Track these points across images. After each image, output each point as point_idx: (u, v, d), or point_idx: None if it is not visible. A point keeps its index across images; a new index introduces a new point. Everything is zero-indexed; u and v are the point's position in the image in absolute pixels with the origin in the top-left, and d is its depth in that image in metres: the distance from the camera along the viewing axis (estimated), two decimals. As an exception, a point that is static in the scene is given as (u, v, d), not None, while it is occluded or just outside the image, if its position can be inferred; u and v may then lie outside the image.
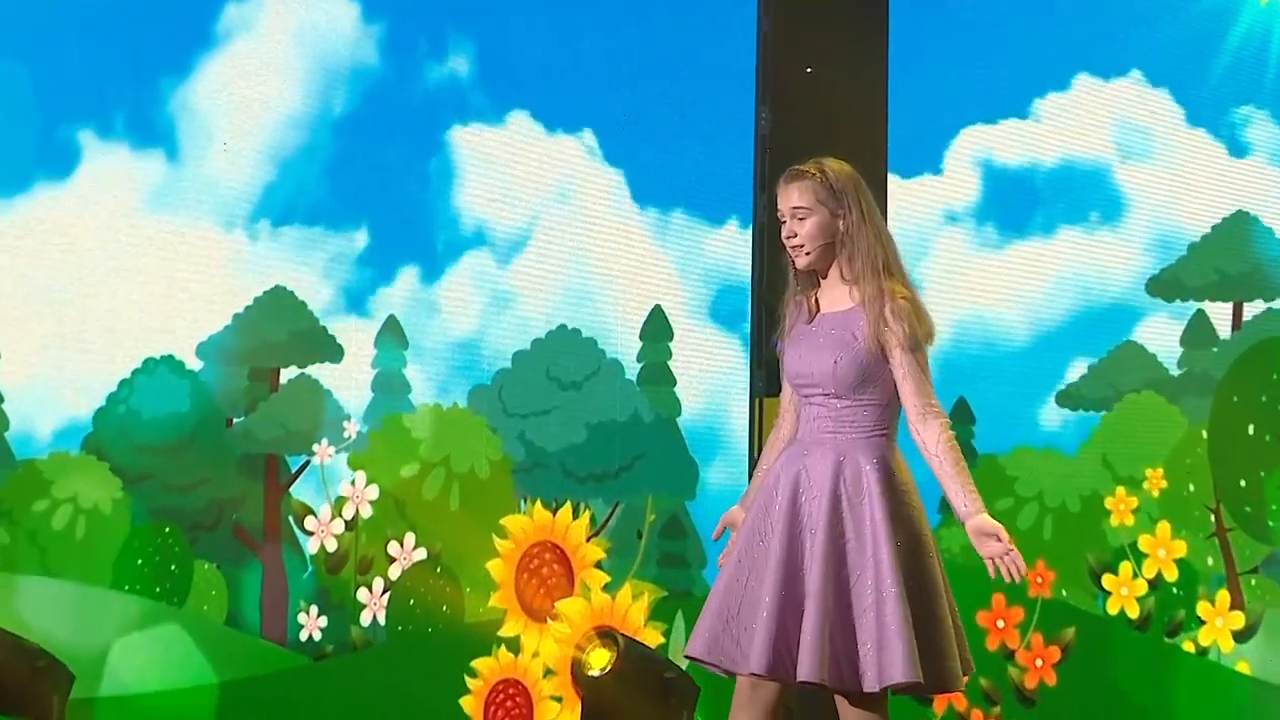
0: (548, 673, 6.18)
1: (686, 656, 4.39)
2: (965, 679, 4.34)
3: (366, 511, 5.97)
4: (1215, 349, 7.01)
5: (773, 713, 4.31)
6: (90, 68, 5.58)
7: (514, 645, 6.16)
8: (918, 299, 4.36)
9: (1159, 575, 6.90)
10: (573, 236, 6.35)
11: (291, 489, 5.89)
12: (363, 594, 5.97)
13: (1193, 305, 7.02)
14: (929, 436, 4.27)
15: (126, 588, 5.59)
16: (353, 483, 5.96)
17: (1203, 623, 6.90)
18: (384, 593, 5.99)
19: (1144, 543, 6.91)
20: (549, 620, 6.19)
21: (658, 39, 6.49)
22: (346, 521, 5.94)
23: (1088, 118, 7.02)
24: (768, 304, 5.92)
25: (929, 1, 6.81)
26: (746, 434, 6.52)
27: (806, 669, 4.14)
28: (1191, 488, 6.95)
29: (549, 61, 6.30)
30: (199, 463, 5.73)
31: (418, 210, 6.12)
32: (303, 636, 5.87)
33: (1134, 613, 6.87)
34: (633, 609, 6.30)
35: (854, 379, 4.30)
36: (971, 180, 6.90)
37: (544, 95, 6.29)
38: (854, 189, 4.38)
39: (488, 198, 6.21)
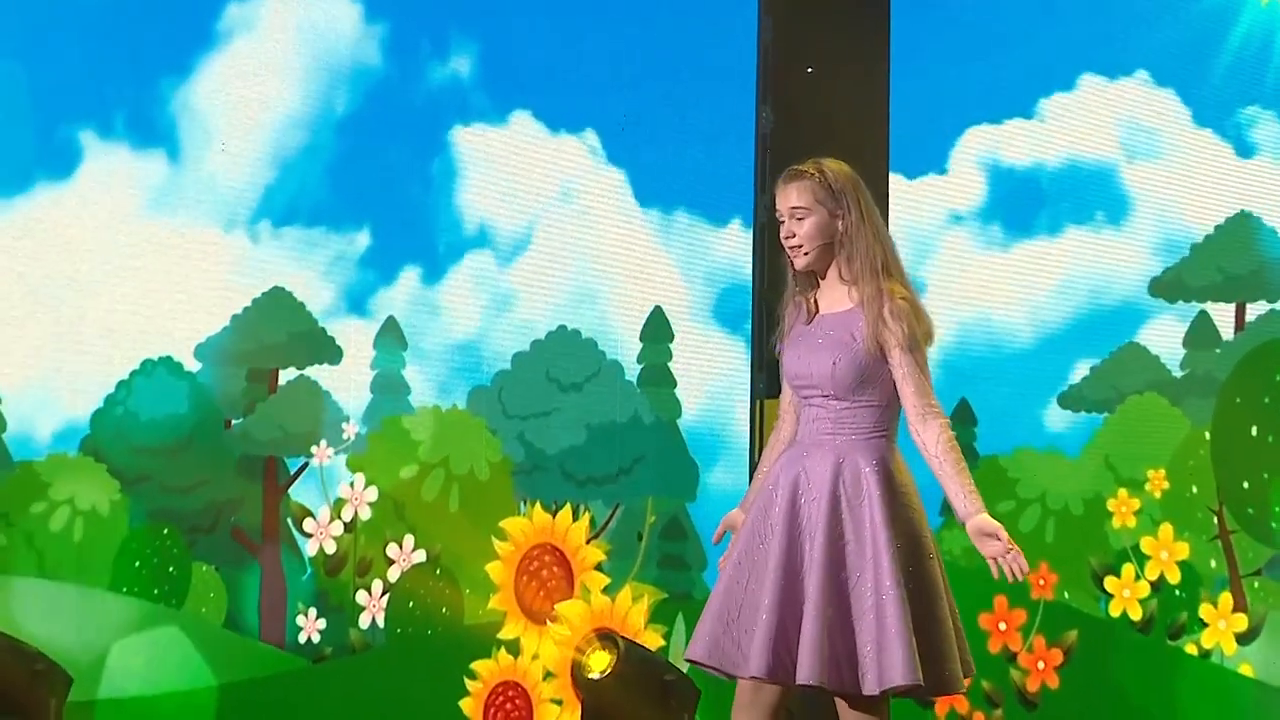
0: (547, 675, 6.16)
1: (687, 659, 4.38)
2: (966, 681, 4.32)
3: (365, 513, 5.95)
4: (1218, 350, 7.00)
5: (774, 715, 4.30)
6: (90, 68, 5.57)
7: (514, 648, 6.15)
8: (917, 299, 4.34)
9: (1161, 577, 6.88)
10: (574, 237, 6.34)
11: (290, 491, 5.87)
12: (362, 596, 5.96)
13: (1195, 306, 7.01)
14: (929, 437, 4.26)
15: (124, 590, 5.57)
16: (352, 484, 5.95)
17: (1205, 625, 6.89)
18: (383, 595, 5.98)
19: (1146, 545, 6.89)
20: (549, 622, 6.18)
21: (659, 40, 6.48)
22: (345, 523, 5.93)
23: (1093, 118, 7.01)
24: (769, 305, 5.90)
25: (930, 1, 6.80)
26: (747, 436, 6.50)
27: (806, 671, 4.13)
28: (1194, 490, 6.94)
29: (551, 62, 6.30)
30: (197, 464, 5.71)
31: (419, 211, 6.11)
32: (301, 639, 5.85)
33: (1136, 615, 6.86)
34: (633, 611, 6.29)
35: (853, 380, 4.28)
36: (977, 180, 6.89)
37: (546, 96, 6.28)
38: (853, 189, 4.36)
39: (489, 198, 6.20)
